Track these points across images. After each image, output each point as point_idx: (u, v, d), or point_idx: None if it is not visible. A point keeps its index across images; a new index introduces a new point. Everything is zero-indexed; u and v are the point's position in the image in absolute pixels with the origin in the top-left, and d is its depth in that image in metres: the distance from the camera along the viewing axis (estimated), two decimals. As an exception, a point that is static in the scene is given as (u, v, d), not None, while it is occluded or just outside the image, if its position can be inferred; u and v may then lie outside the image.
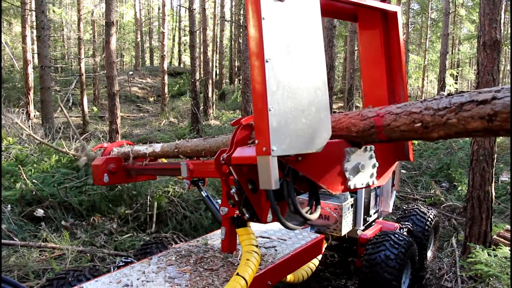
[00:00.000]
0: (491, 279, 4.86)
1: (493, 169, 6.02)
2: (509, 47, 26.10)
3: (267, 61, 2.09)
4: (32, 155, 7.97)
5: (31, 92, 16.48)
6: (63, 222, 6.33)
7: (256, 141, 2.20)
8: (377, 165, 2.78)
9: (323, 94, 2.31)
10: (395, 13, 3.03)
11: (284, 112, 2.15)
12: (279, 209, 2.62)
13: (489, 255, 4.86)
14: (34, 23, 16.29)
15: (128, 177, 4.87)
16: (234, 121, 3.17)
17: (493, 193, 6.14)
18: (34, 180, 6.80)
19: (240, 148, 2.85)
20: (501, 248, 4.98)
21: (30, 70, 16.82)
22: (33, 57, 19.75)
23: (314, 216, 2.75)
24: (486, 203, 6.00)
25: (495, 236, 6.22)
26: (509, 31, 30.09)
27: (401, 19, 3.06)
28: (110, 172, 4.67)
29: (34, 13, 15.14)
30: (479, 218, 6.04)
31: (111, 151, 5.02)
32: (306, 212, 2.70)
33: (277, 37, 2.14)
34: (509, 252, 4.85)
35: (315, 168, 2.45)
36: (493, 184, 6.08)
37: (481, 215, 6.02)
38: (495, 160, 6.04)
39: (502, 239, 6.10)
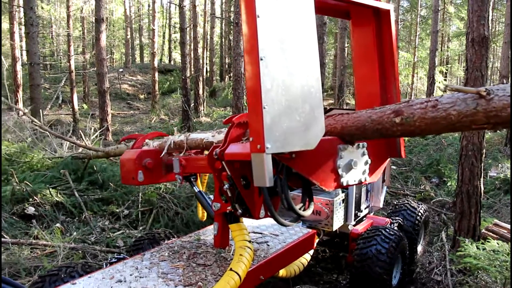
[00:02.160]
0: (479, 272, 4.93)
1: (482, 164, 6.10)
2: (497, 44, 26.36)
3: (261, 59, 2.10)
4: (25, 152, 7.90)
5: (20, 90, 16.31)
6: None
7: (251, 139, 2.21)
8: (369, 162, 2.81)
9: (317, 91, 2.33)
10: (387, 11, 3.06)
11: (278, 110, 2.16)
12: (273, 205, 2.65)
13: (478, 248, 4.92)
14: (23, 20, 16.12)
15: (167, 174, 4.14)
16: (226, 119, 3.18)
17: (482, 188, 6.22)
18: (26, 182, 6.75)
19: (233, 144, 2.87)
20: (489, 242, 5.04)
21: (18, 67, 16.64)
22: (21, 54, 19.56)
23: (308, 212, 2.78)
24: (475, 198, 6.08)
25: (483, 230, 6.30)
26: (498, 28, 30.38)
27: (393, 17, 3.09)
28: (146, 169, 3.92)
29: (22, 9, 14.99)
30: (468, 213, 6.12)
31: (143, 144, 4.33)
32: (300, 209, 2.73)
33: (271, 35, 2.15)
34: (497, 245, 4.92)
35: (308, 165, 2.48)
36: (481, 179, 6.16)
37: (470, 210, 6.10)
38: (483, 155, 6.12)
39: (491, 233, 6.19)
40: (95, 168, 7.61)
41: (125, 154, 4.09)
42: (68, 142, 8.37)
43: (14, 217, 6.21)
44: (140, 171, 3.87)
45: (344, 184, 2.68)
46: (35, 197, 6.53)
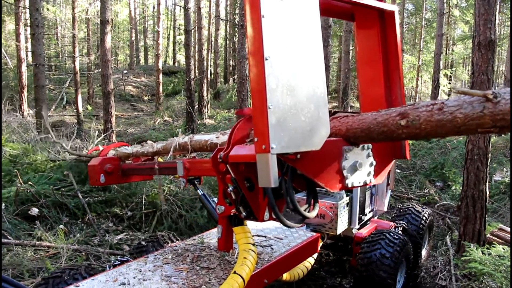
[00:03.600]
0: (484, 277, 4.89)
1: (487, 168, 6.06)
2: (502, 47, 26.28)
3: (266, 59, 2.09)
4: (28, 154, 7.92)
5: (25, 91, 16.39)
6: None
7: (255, 139, 2.20)
8: (374, 163, 2.80)
9: (322, 91, 2.32)
10: (392, 13, 3.04)
11: (283, 110, 2.15)
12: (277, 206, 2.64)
13: (483, 253, 4.89)
14: (28, 21, 16.19)
15: (124, 177, 4.87)
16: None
17: (487, 192, 6.18)
18: (30, 183, 6.76)
19: (238, 146, 2.86)
20: (494, 247, 5.01)
21: (24, 68, 16.72)
22: (26, 55, 19.65)
23: (313, 214, 2.77)
24: (480, 202, 6.04)
25: (488, 235, 6.26)
26: (504, 32, 30.30)
27: (398, 19, 3.07)
28: (106, 173, 4.65)
29: (28, 10, 15.05)
30: (473, 217, 6.07)
31: (107, 152, 4.97)
32: (304, 210, 2.72)
33: (276, 35, 2.14)
34: (503, 250, 4.88)
35: (313, 166, 2.46)
36: (487, 183, 6.12)
37: (475, 214, 6.06)
38: (489, 160, 6.08)
39: (496, 238, 6.15)
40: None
41: (92, 161, 4.80)
42: (72, 144, 8.37)
43: (18, 218, 6.22)
44: (102, 174, 4.61)
45: (349, 185, 2.66)
46: (38, 198, 6.54)
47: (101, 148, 5.23)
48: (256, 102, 2.17)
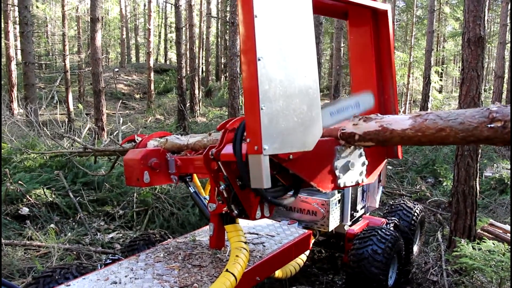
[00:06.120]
0: (475, 272, 4.94)
1: (478, 164, 6.11)
2: (492, 44, 26.48)
3: (259, 60, 2.07)
4: (22, 153, 7.82)
5: (15, 89, 16.23)
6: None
7: (248, 140, 2.19)
8: (366, 163, 2.80)
9: (314, 92, 2.31)
10: (385, 12, 3.05)
11: (276, 111, 2.14)
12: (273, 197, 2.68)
13: (473, 248, 4.92)
14: (17, 19, 16.01)
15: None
16: (219, 125, 3.13)
17: (478, 188, 6.23)
18: (19, 181, 6.69)
19: (230, 144, 2.85)
20: (485, 242, 5.05)
21: (13, 66, 16.55)
22: (16, 54, 19.43)
23: (287, 201, 2.84)
24: (471, 198, 6.09)
25: (479, 230, 6.31)
26: (493, 29, 30.52)
27: (391, 18, 3.08)
28: (152, 169, 3.69)
29: (17, 8, 14.89)
30: (464, 213, 6.12)
31: (147, 144, 4.13)
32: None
33: (269, 35, 2.13)
34: (493, 245, 4.92)
35: (306, 166, 2.47)
36: (477, 179, 6.17)
37: (465, 210, 6.11)
38: (479, 156, 6.12)
39: (486, 233, 6.20)
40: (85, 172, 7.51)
41: (129, 154, 3.88)
42: (66, 141, 8.28)
43: (7, 218, 6.16)
44: (146, 172, 3.66)
45: (341, 185, 2.67)
46: (29, 198, 6.48)
47: (138, 138, 4.34)
48: (248, 103, 2.15)
